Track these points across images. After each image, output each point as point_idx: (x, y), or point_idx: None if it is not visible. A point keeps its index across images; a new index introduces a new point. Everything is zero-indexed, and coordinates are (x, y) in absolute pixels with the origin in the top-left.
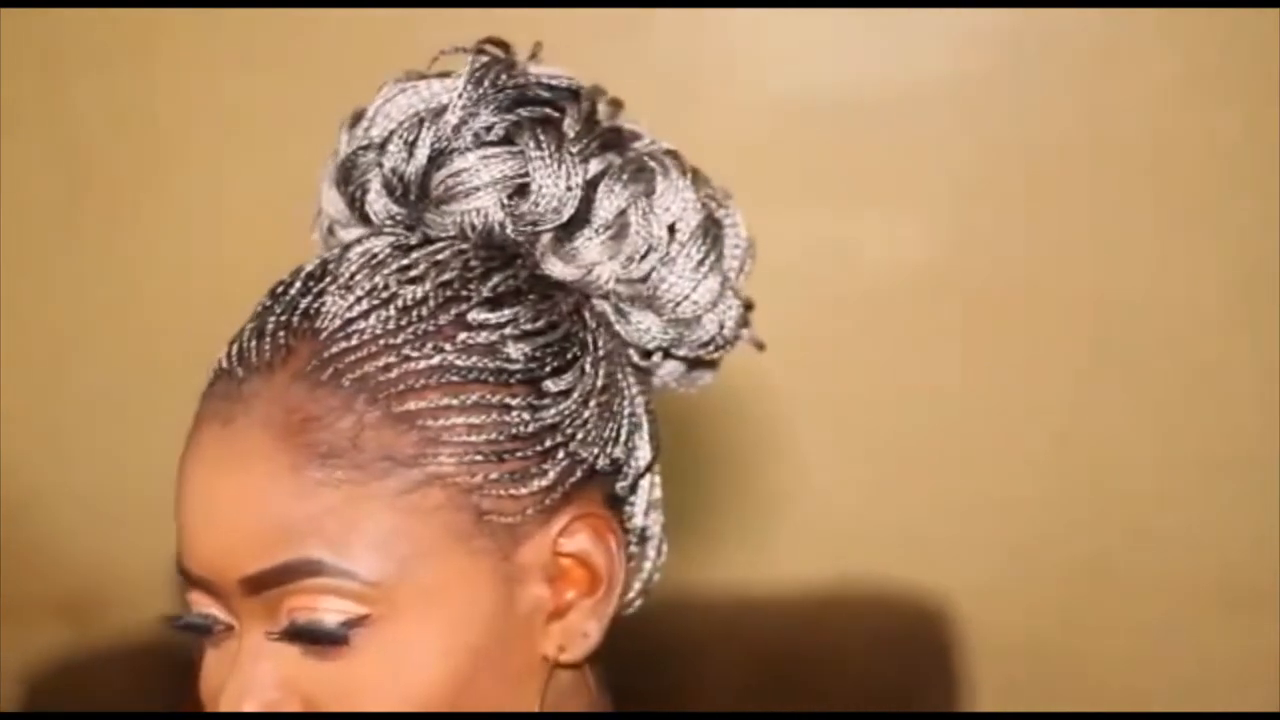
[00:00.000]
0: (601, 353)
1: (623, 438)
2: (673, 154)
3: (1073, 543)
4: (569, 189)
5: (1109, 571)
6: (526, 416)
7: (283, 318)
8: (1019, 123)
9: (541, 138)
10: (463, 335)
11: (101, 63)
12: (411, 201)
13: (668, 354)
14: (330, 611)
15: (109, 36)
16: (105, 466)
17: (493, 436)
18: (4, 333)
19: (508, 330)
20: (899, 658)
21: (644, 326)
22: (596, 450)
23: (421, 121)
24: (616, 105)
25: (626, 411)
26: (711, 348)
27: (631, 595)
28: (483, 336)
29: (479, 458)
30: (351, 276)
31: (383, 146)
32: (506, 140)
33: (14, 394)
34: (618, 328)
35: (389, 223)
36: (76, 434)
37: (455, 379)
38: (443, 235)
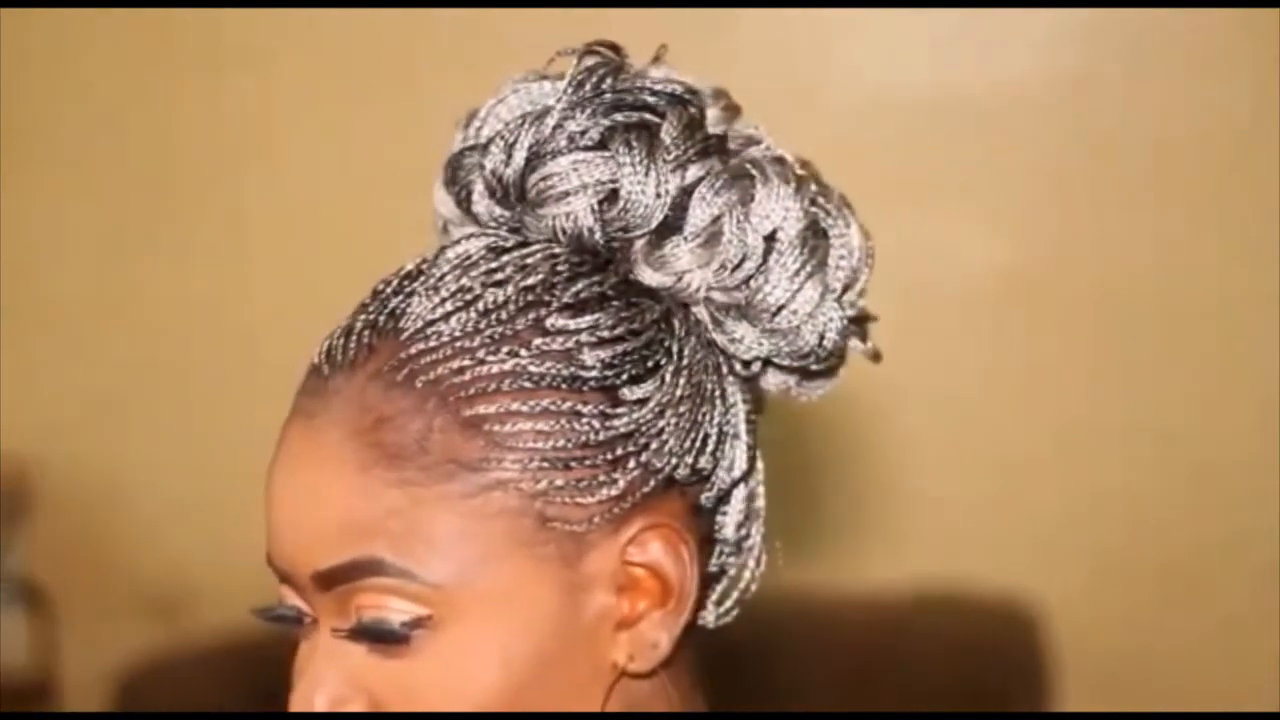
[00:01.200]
0: (686, 361)
1: (710, 448)
2: (779, 160)
3: (1167, 545)
4: (658, 196)
5: (1204, 574)
6: (597, 424)
7: (371, 316)
8: (1110, 121)
9: (634, 144)
10: (539, 340)
11: (185, 64)
12: (511, 203)
13: (770, 364)
14: (393, 611)
15: (182, 38)
16: (196, 467)
17: (560, 444)
18: (95, 335)
19: (585, 337)
20: (987, 661)
21: (739, 336)
22: (675, 460)
23: (524, 123)
24: (733, 110)
25: (716, 421)
26: (812, 359)
27: (727, 605)
28: (559, 342)
29: (545, 465)
30: (441, 277)
31: (486, 147)
32: (601, 145)
33: (106, 394)
34: (715, 336)
35: (492, 224)
36: (168, 434)
37: (527, 384)
38: (540, 238)
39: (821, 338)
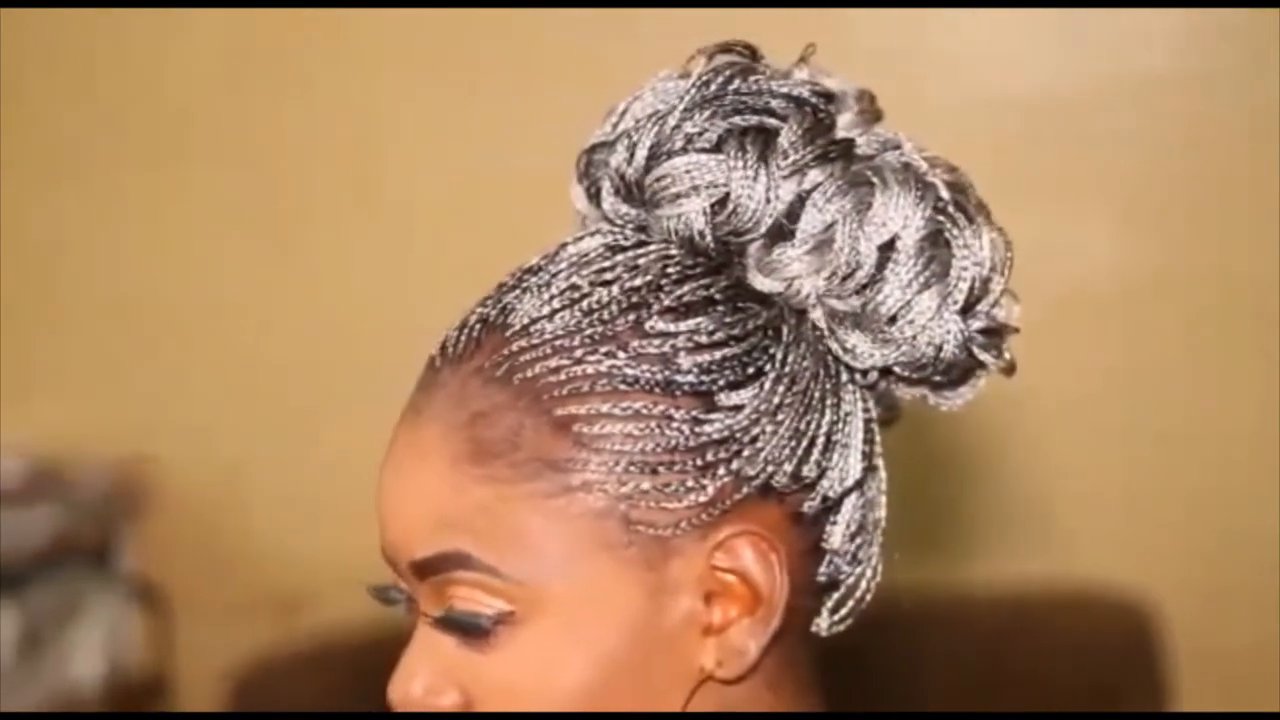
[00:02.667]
0: (789, 369)
1: (814, 456)
2: (907, 167)
3: None
4: (767, 201)
5: None
6: (687, 430)
7: (485, 310)
8: (1212, 121)
9: (748, 147)
10: (637, 342)
11: (296, 66)
12: (636, 202)
13: (891, 373)
14: (479, 605)
15: (303, 39)
16: (313, 464)
17: (648, 447)
18: (212, 332)
19: (683, 340)
20: (1107, 659)
21: (851, 345)
22: (772, 468)
23: (648, 122)
24: (871, 114)
25: (824, 430)
26: (930, 370)
27: (842, 614)
28: (656, 345)
29: (632, 468)
30: (555, 274)
31: (614, 144)
32: (717, 147)
33: (221, 393)
34: (830, 344)
35: (619, 222)
36: (284, 432)
37: (621, 386)
38: (659, 239)
39: (939, 349)
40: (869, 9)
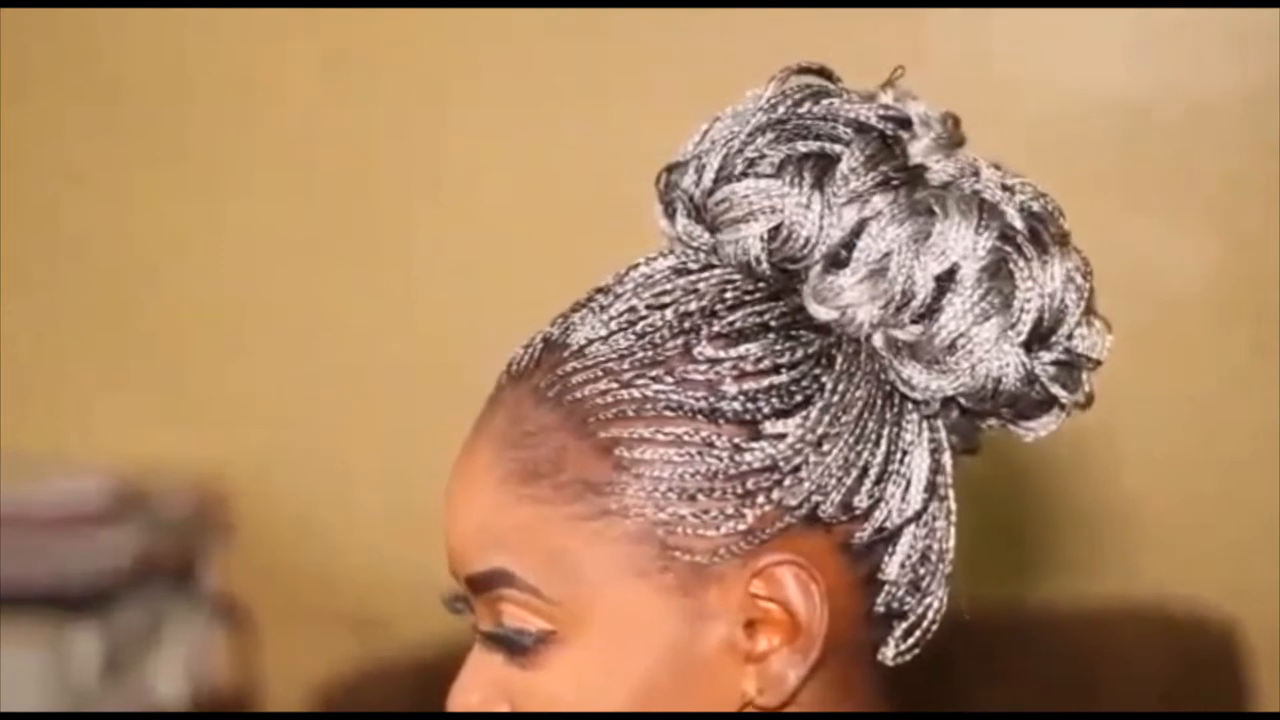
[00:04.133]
0: (840, 399)
1: (865, 487)
2: (971, 196)
3: None
4: (821, 229)
5: None
6: (728, 457)
7: (550, 329)
8: None
9: (804, 174)
10: (683, 368)
11: (372, 68)
12: (704, 225)
13: (954, 404)
14: (524, 623)
15: (376, 37)
16: (395, 482)
17: (687, 474)
18: (293, 351)
19: (730, 367)
20: (1189, 677)
21: (907, 374)
22: (817, 498)
23: (718, 144)
24: (948, 140)
25: (877, 461)
26: (992, 403)
27: (905, 646)
28: (702, 371)
29: (671, 494)
30: (618, 295)
31: (687, 165)
32: (777, 173)
33: (305, 410)
34: (890, 374)
35: (692, 243)
36: (367, 450)
37: (666, 412)
38: (725, 263)
39: (998, 381)
40: (953, 9)
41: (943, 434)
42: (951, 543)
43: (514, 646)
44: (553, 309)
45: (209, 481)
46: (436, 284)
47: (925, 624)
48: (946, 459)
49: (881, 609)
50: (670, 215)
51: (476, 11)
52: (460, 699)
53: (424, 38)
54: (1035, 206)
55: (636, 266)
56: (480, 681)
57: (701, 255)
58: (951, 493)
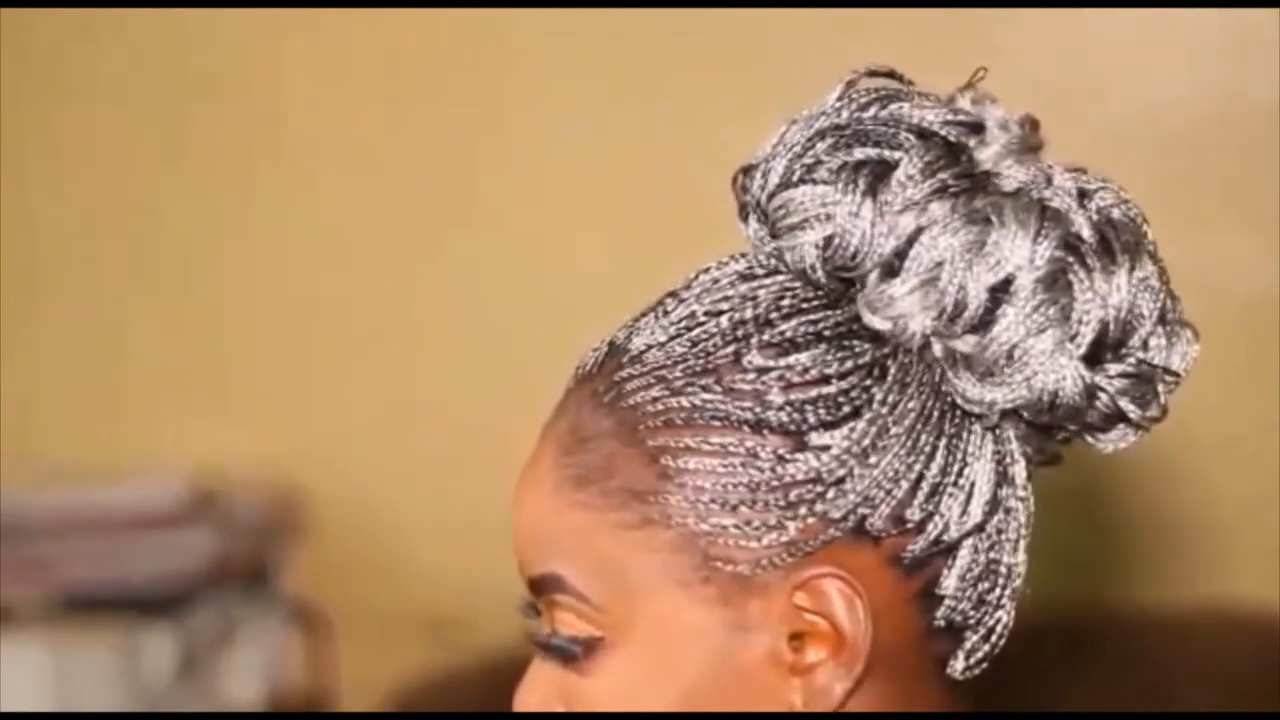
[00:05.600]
0: (891, 411)
1: (917, 500)
2: (1033, 204)
3: None
4: (871, 237)
5: None
6: (772, 469)
7: (616, 333)
8: None
9: (858, 181)
10: (732, 376)
11: (443, 66)
12: (767, 229)
13: (1017, 417)
14: (574, 629)
15: (440, 36)
16: (470, 486)
17: (730, 484)
18: (370, 355)
19: (777, 377)
20: (1269, 682)
21: (961, 387)
22: (864, 511)
23: (785, 148)
24: (1020, 145)
25: (930, 473)
26: (1048, 416)
27: (973, 661)
28: (750, 380)
29: (713, 505)
30: (682, 300)
31: (758, 167)
32: (833, 179)
33: (379, 413)
34: (947, 386)
35: (763, 247)
36: (442, 454)
37: (713, 421)
38: (788, 269)
39: (1055, 395)
40: (1039, 9)
41: (1012, 446)
42: (1021, 556)
43: (560, 651)
44: (626, 307)
45: (283, 484)
46: (508, 283)
47: (992, 639)
48: (1017, 470)
49: (943, 623)
50: (744, 219)
51: (543, 11)
52: (521, 701)
53: (492, 36)
54: (1115, 213)
55: (707, 270)
56: (539, 684)
57: (771, 260)
58: (1022, 505)
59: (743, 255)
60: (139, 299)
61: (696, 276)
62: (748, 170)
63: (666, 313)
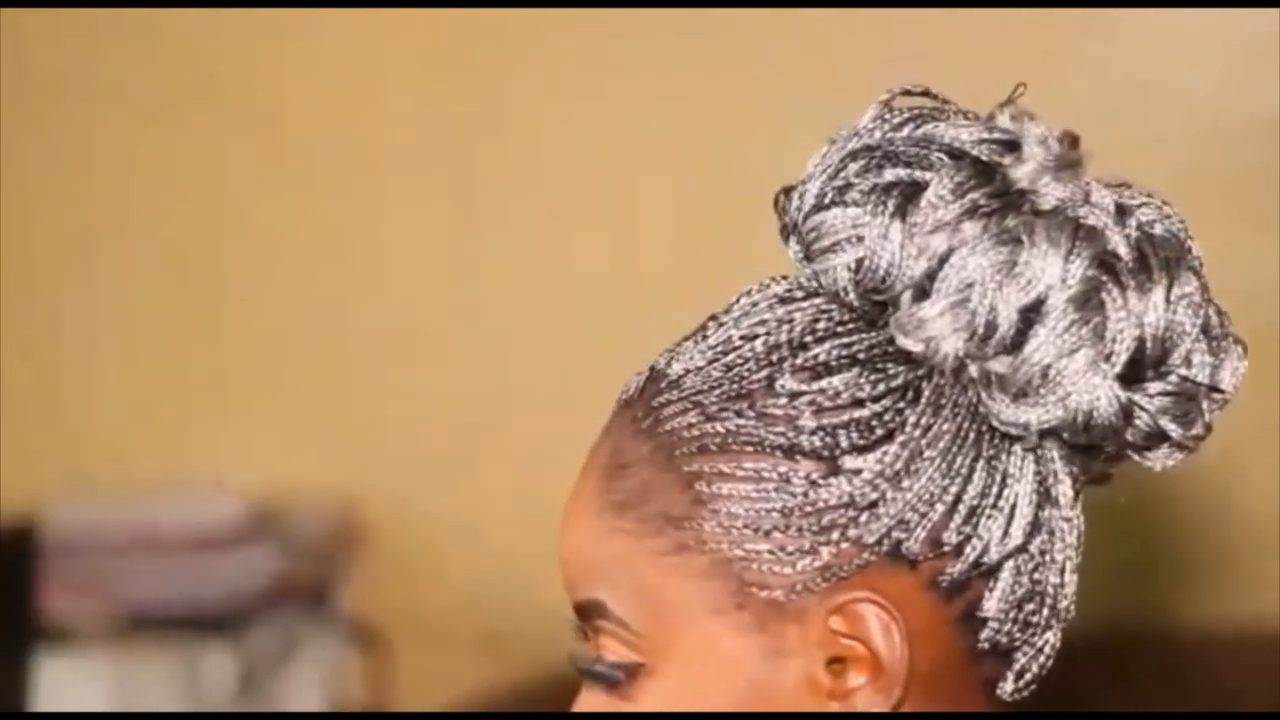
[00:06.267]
0: (924, 434)
1: (954, 523)
2: (1065, 223)
3: None
4: (900, 259)
5: None
6: (804, 493)
7: (660, 356)
8: None
9: (886, 202)
10: (765, 401)
11: (495, 78)
12: (803, 252)
13: (1055, 437)
14: (615, 654)
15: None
16: (527, 504)
17: (762, 510)
18: (438, 381)
19: (808, 401)
20: None
21: (995, 408)
22: (898, 535)
23: (820, 169)
24: (1059, 162)
25: (967, 495)
26: (1085, 436)
27: (1019, 684)
28: (783, 405)
29: (747, 530)
30: (722, 323)
31: (796, 188)
32: (862, 201)
33: (437, 431)
34: (984, 407)
35: (804, 269)
36: (500, 471)
37: (746, 447)
38: (824, 291)
39: (1089, 415)
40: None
41: (1055, 465)
42: (1069, 576)
43: (600, 676)
44: (686, 320)
45: (344, 503)
46: (572, 307)
47: (1041, 660)
48: (1061, 490)
49: (986, 645)
50: (786, 240)
51: (627, 11)
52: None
53: (577, 41)
54: (1155, 229)
55: (749, 292)
56: (591, 704)
57: (811, 282)
58: (1067, 525)
59: (784, 277)
60: (197, 320)
61: (738, 299)
62: (787, 192)
63: (705, 337)
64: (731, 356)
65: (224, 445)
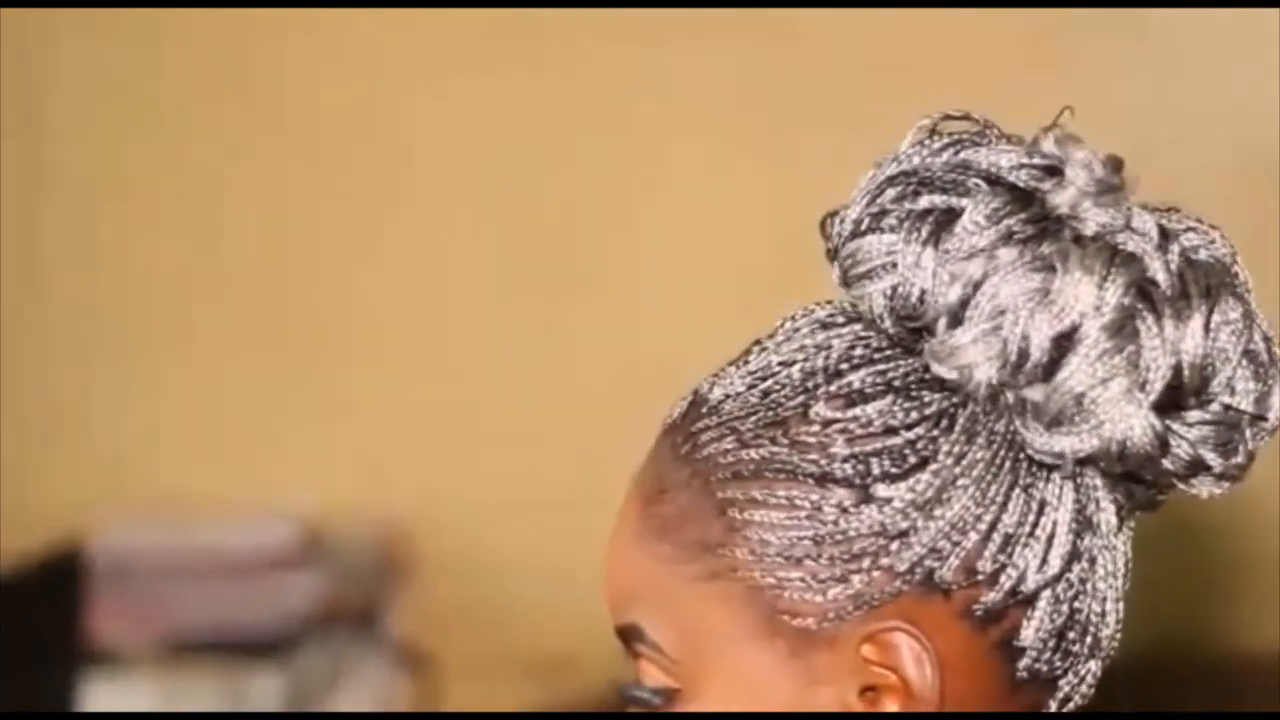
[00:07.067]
0: (957, 463)
1: (989, 551)
2: (1102, 249)
3: None
4: (932, 287)
5: None
6: (835, 522)
7: (703, 380)
8: None
9: (920, 230)
10: (798, 429)
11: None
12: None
13: (1089, 465)
14: (653, 679)
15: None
16: (576, 529)
17: (794, 538)
18: (486, 404)
19: (840, 429)
20: None
21: (1029, 437)
22: (931, 563)
23: (860, 195)
24: (1106, 185)
25: (1002, 524)
26: (1121, 466)
27: (1064, 712)
28: (815, 432)
29: (779, 558)
30: (764, 349)
31: (835, 214)
32: (897, 228)
33: (485, 455)
34: (1019, 436)
35: (845, 295)
36: (548, 496)
37: (780, 474)
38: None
39: (1123, 445)
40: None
41: (1097, 493)
42: (1111, 605)
43: (637, 701)
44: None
45: (393, 527)
46: (619, 329)
47: (1082, 691)
48: (1102, 519)
49: (1025, 675)
50: (831, 264)
51: (692, 39)
52: None
53: (635, 64)
54: (1200, 255)
55: (793, 317)
56: None
57: (853, 307)
58: (1109, 553)
59: (829, 302)
60: (251, 344)
61: (782, 323)
62: (830, 216)
63: (747, 361)
64: (769, 383)
65: (273, 469)
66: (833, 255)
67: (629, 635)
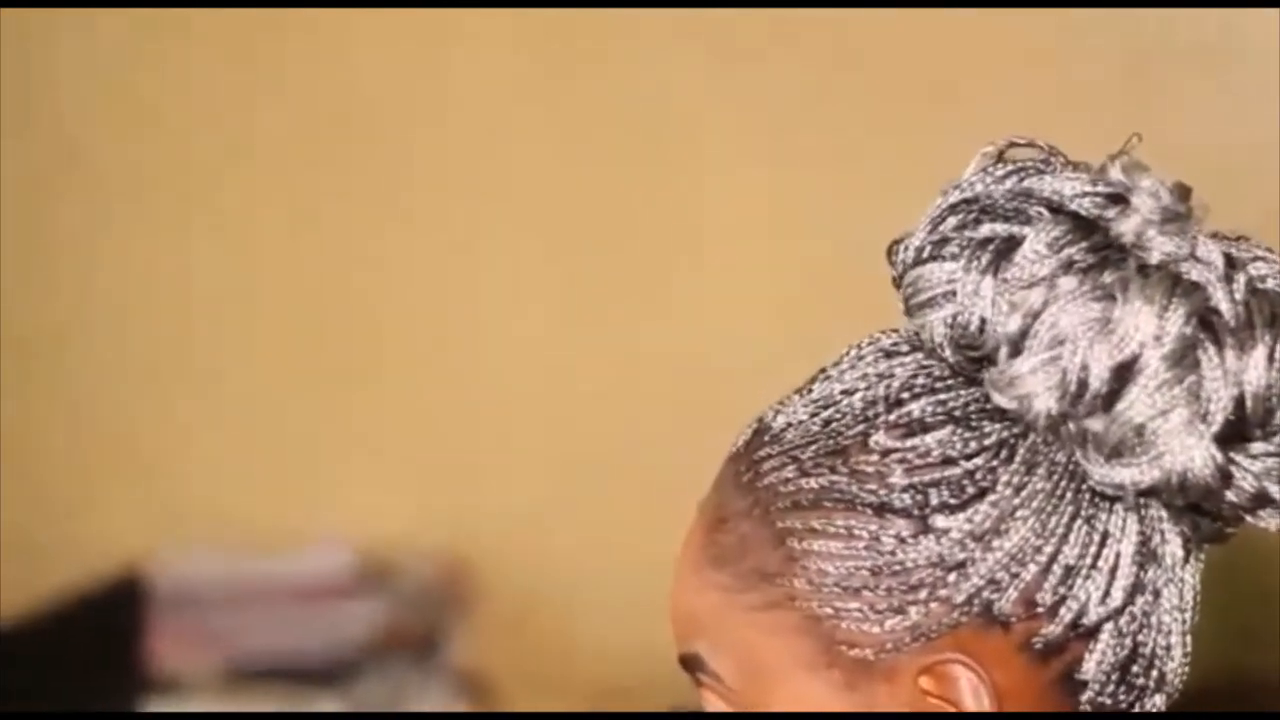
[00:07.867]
0: (1016, 494)
1: (1049, 583)
2: (1165, 278)
3: None
4: (992, 316)
5: None
6: (892, 552)
7: (769, 409)
8: None
9: (981, 258)
10: (858, 458)
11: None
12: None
13: (1152, 496)
14: (712, 707)
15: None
16: (641, 554)
17: (852, 568)
18: (543, 430)
19: (900, 459)
20: None
21: (1090, 468)
22: (989, 595)
23: (925, 222)
24: (1174, 214)
25: (1063, 555)
26: (1182, 498)
27: None
28: (875, 462)
29: (836, 588)
30: (827, 377)
31: (901, 241)
32: (958, 256)
33: (551, 487)
34: (1080, 466)
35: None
36: (608, 523)
37: (839, 503)
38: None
39: (1184, 477)
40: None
41: (1162, 525)
42: (1177, 638)
43: None
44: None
45: (451, 555)
46: (683, 357)
47: None
48: (1167, 550)
49: (1089, 707)
50: (896, 290)
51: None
52: None
53: (679, 88)
54: (1269, 284)
55: (859, 345)
56: None
57: (917, 336)
58: (1175, 586)
59: (894, 330)
60: (310, 371)
61: (847, 352)
62: (896, 244)
63: (810, 390)
64: (830, 411)
65: (334, 497)
66: (897, 283)
67: (691, 664)
